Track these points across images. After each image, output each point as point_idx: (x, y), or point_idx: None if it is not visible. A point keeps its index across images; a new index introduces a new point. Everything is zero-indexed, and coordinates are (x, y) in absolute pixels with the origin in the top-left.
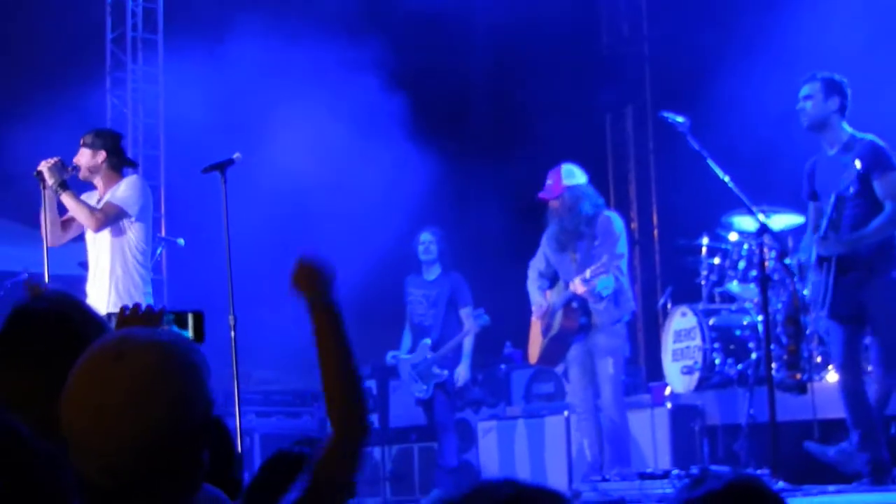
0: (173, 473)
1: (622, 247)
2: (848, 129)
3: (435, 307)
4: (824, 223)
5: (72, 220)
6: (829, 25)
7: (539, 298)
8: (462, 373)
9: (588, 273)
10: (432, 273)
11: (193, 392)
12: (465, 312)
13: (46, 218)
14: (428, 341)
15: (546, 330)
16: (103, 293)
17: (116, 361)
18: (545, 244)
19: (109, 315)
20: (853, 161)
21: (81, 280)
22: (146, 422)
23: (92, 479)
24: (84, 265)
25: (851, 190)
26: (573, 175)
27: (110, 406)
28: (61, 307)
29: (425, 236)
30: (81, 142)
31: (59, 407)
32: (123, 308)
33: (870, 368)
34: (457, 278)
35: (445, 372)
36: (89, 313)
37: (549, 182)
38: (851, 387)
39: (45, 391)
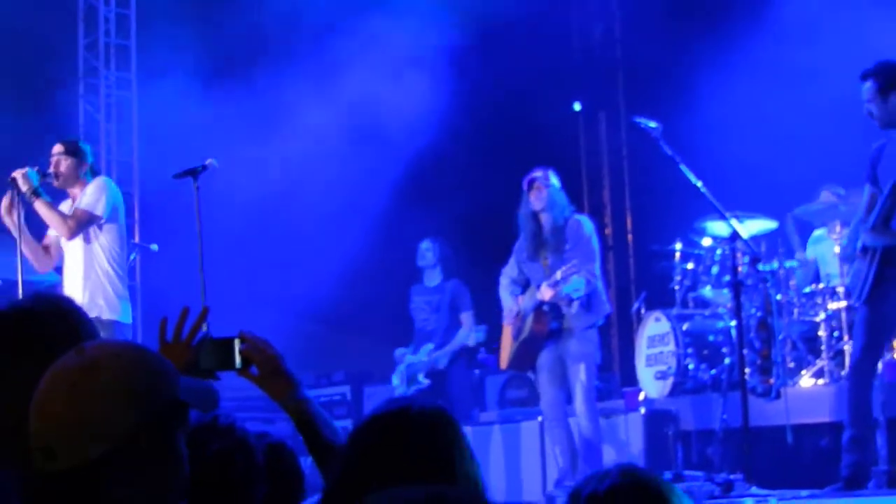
0: (119, 472)
1: (594, 249)
2: None
3: (437, 312)
4: (875, 212)
5: (49, 245)
6: (803, 32)
7: (511, 303)
8: (439, 356)
9: (559, 274)
10: (433, 279)
11: (140, 387)
12: (465, 317)
13: (21, 242)
14: (431, 346)
15: (517, 334)
16: (78, 299)
17: (75, 356)
18: (517, 252)
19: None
20: None
21: (56, 286)
22: (80, 403)
23: (38, 466)
24: (60, 271)
25: None
26: (555, 178)
27: (53, 390)
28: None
29: (424, 244)
30: (63, 149)
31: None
32: (165, 320)
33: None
34: (457, 284)
35: (427, 381)
36: (71, 318)
37: (535, 174)
38: (859, 386)
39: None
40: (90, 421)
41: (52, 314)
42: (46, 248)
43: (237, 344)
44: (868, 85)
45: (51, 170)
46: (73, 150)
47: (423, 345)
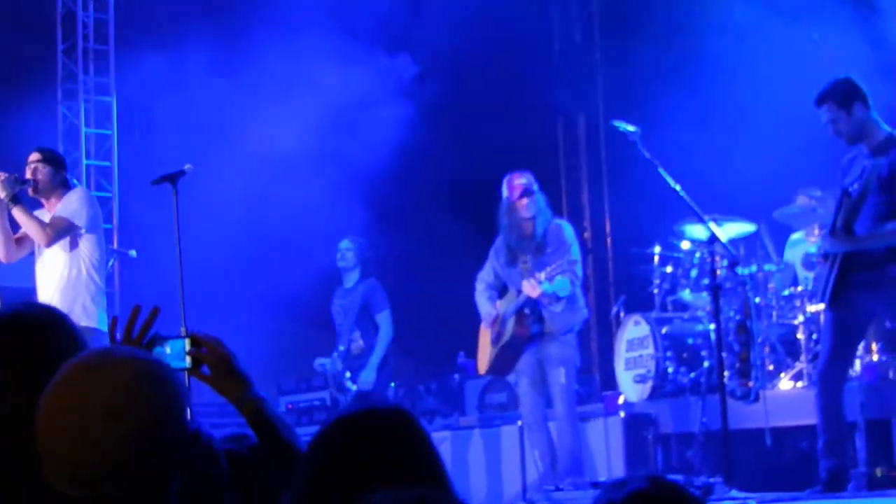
0: (144, 489)
1: (575, 253)
2: (885, 127)
3: (346, 315)
4: (838, 220)
5: (26, 235)
6: (777, 38)
7: (489, 307)
8: (365, 378)
9: (542, 275)
10: (350, 281)
11: (168, 409)
12: (381, 317)
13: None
14: (342, 348)
15: (497, 338)
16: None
17: (92, 373)
18: (493, 257)
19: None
20: (883, 162)
21: (32, 293)
22: (120, 434)
23: (64, 490)
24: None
25: (872, 187)
26: (536, 184)
27: (85, 417)
28: (40, 318)
29: (343, 244)
30: (40, 157)
31: (35, 418)
32: (115, 319)
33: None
34: (371, 284)
35: (355, 387)
36: (62, 324)
37: (522, 181)
38: (829, 389)
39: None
40: (137, 455)
41: (43, 319)
42: (20, 240)
43: (187, 343)
44: (826, 107)
45: (28, 177)
46: (50, 158)
47: (336, 349)
